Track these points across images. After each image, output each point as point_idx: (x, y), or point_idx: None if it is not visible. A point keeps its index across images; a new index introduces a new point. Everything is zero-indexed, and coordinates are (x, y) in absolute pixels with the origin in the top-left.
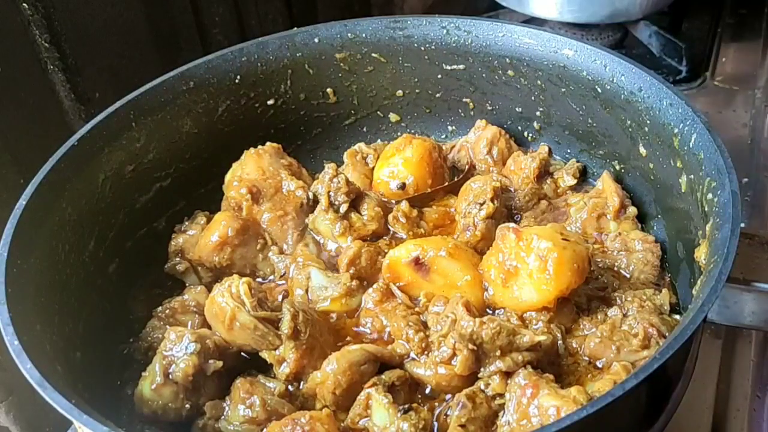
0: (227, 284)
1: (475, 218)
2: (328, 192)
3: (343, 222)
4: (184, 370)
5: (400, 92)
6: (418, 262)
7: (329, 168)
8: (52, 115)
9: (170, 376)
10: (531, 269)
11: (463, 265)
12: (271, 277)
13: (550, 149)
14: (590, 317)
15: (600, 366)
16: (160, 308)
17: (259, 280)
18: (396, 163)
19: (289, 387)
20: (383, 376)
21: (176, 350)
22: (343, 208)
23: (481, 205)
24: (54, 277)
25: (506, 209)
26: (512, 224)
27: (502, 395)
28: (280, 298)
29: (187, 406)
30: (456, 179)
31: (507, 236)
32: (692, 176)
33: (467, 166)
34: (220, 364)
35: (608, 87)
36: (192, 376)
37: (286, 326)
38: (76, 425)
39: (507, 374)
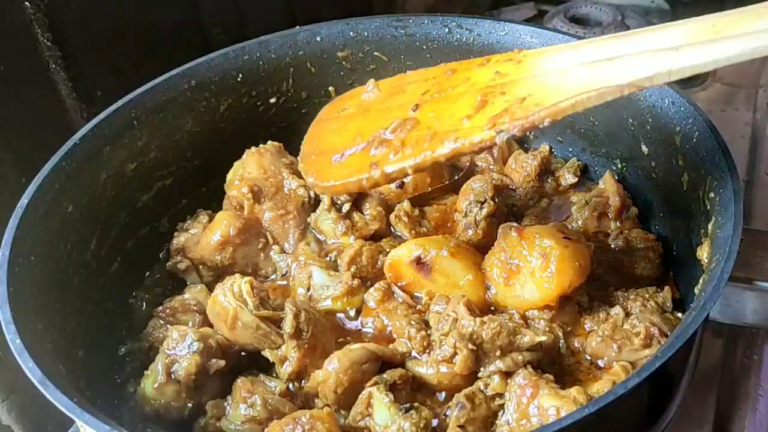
0: (229, 284)
1: (477, 217)
2: None
3: (346, 221)
4: (186, 368)
5: None
6: (419, 262)
7: None
8: (54, 114)
9: (173, 375)
10: (533, 267)
11: (465, 265)
12: (273, 276)
13: (550, 148)
14: (592, 316)
15: (602, 365)
16: (160, 308)
17: (261, 279)
18: None
19: (290, 386)
20: (385, 375)
21: (179, 349)
22: (346, 207)
23: (482, 203)
24: (56, 276)
25: (507, 208)
26: (514, 223)
27: (501, 395)
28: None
29: (189, 404)
30: (456, 178)
31: (509, 235)
32: (694, 175)
33: (467, 165)
34: (222, 363)
35: None
36: (195, 374)
37: (288, 325)
38: (78, 424)
39: (507, 374)
